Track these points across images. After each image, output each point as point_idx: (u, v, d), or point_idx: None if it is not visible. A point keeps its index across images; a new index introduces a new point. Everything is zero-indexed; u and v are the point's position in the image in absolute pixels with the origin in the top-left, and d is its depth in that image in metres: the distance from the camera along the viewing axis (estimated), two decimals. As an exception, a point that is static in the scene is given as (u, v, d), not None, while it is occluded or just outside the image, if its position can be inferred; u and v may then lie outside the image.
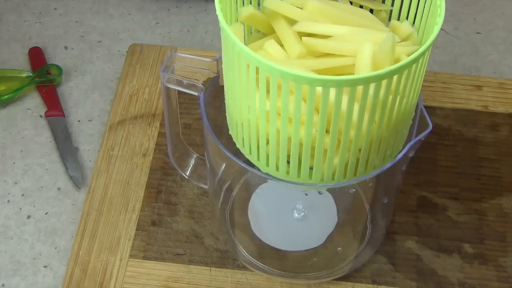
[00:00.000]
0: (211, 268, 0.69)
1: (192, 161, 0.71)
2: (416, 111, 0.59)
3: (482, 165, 0.76)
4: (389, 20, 0.60)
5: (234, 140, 0.59)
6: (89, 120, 0.81)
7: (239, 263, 0.69)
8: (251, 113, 0.53)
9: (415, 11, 0.57)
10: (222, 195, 0.72)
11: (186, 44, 0.89)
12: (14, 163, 0.77)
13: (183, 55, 0.63)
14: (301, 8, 0.56)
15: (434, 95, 0.82)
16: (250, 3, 0.59)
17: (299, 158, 0.53)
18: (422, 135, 0.57)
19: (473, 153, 0.77)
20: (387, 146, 0.55)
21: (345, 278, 0.68)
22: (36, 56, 0.86)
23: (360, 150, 0.53)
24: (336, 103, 0.48)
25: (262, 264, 0.67)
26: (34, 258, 0.70)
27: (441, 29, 0.93)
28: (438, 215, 0.72)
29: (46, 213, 0.73)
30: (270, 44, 0.55)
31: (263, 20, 0.58)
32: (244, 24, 0.58)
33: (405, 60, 0.48)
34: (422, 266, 0.69)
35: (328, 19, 0.55)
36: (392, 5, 0.59)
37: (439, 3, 0.52)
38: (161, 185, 0.74)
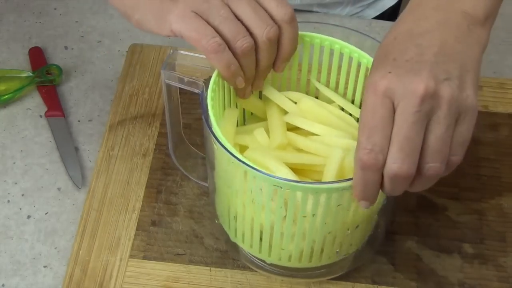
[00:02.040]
0: (211, 268, 0.69)
1: (193, 160, 0.71)
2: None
3: (482, 165, 0.76)
4: None
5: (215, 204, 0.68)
6: (89, 120, 0.81)
7: (239, 263, 0.69)
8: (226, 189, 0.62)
9: None
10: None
11: (186, 45, 0.88)
12: (14, 163, 0.77)
13: (184, 52, 0.64)
14: (296, 103, 0.65)
15: (434, 95, 0.81)
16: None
17: (260, 237, 0.62)
18: None
19: (473, 153, 0.77)
20: (342, 243, 0.63)
21: (345, 278, 0.68)
22: (36, 56, 0.86)
23: (315, 241, 0.61)
24: (291, 195, 0.57)
25: (263, 263, 0.67)
26: (34, 258, 0.70)
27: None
28: (438, 215, 0.73)
29: (46, 213, 0.73)
30: (258, 132, 0.64)
31: (260, 106, 0.67)
32: (244, 109, 0.69)
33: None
34: (422, 266, 0.69)
35: (315, 117, 0.64)
36: None
37: None
38: (161, 185, 0.74)
